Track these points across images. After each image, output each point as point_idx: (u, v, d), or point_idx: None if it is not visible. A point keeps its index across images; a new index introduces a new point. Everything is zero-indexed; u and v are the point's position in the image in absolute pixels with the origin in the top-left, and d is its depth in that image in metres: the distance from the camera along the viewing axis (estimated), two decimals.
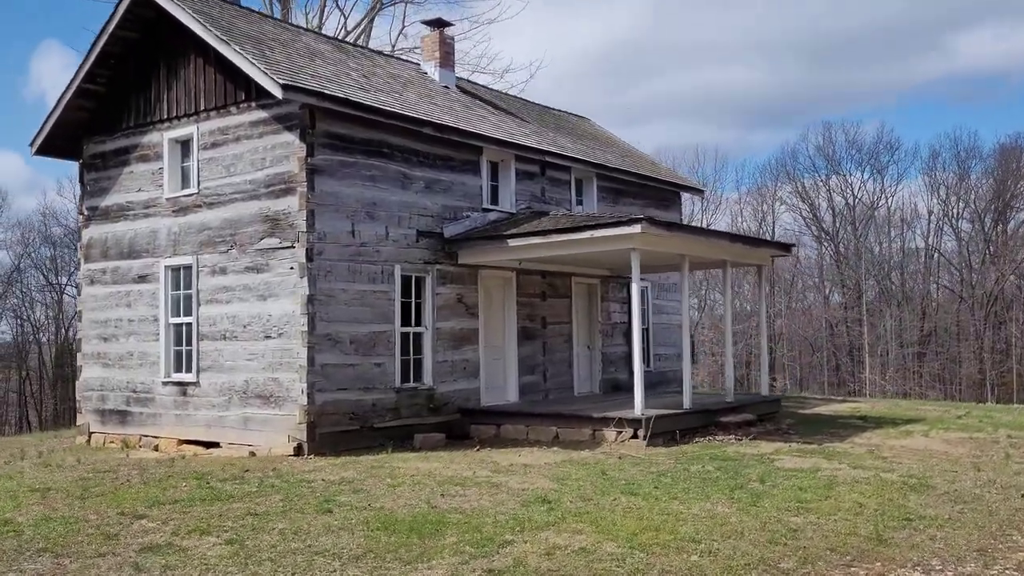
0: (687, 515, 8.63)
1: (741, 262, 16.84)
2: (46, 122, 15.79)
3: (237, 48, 13.11)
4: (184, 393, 14.54)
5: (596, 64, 77.32)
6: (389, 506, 9.18)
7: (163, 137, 14.99)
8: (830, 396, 27.93)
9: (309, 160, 13.14)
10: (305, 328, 13.03)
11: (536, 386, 17.24)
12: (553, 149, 17.60)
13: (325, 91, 13.13)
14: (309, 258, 13.10)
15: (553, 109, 22.74)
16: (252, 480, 10.86)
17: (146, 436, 15.01)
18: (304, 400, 12.99)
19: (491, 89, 21.53)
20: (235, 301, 13.91)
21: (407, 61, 19.55)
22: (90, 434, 15.98)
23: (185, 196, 14.67)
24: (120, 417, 15.50)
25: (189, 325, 14.56)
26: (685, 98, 78.52)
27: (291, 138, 13.28)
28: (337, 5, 30.01)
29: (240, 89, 13.86)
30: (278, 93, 12.61)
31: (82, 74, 15.27)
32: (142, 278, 15.26)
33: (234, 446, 13.75)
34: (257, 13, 16.36)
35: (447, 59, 18.68)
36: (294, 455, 12.96)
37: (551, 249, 14.54)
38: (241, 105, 13.92)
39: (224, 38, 13.29)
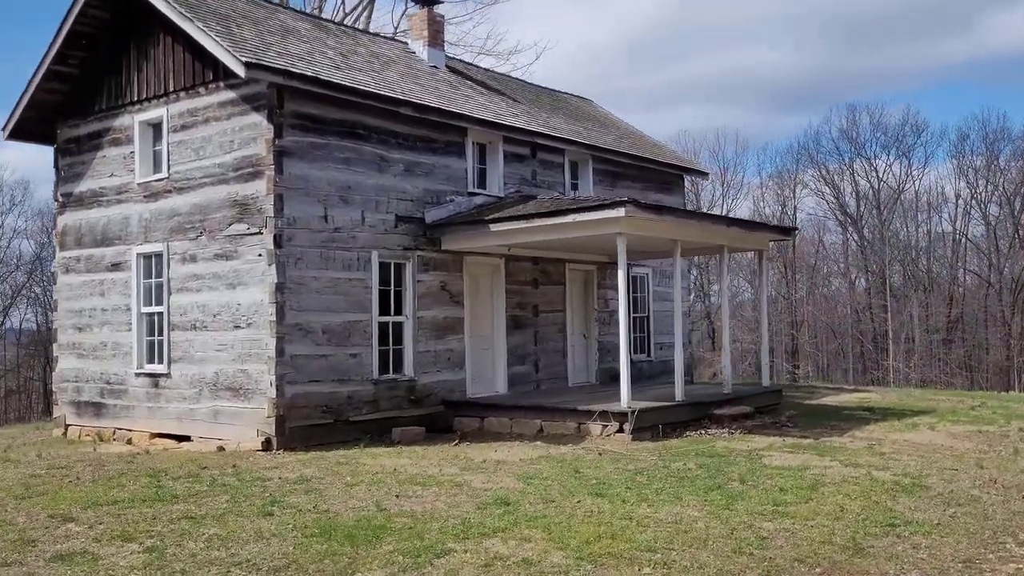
0: (651, 520, 7.98)
1: (739, 247, 16.06)
2: (17, 105, 15.32)
3: (200, 25, 12.53)
4: (156, 385, 14.07)
5: (617, 49, 76.30)
6: (336, 508, 8.61)
7: (134, 120, 14.48)
8: (842, 385, 27.03)
9: (277, 142, 12.55)
10: (273, 317, 12.47)
11: (527, 377, 16.60)
12: (543, 130, 16.90)
13: (293, 69, 12.52)
14: (278, 244, 12.53)
15: (553, 90, 22.01)
16: (206, 478, 10.33)
17: (120, 429, 14.56)
18: (273, 393, 12.44)
19: (484, 69, 20.83)
20: (205, 290, 13.39)
21: (395, 40, 18.92)
22: (66, 427, 15.57)
23: (156, 181, 14.15)
24: (95, 409, 15.07)
25: (160, 314, 14.07)
26: (708, 82, 77.24)
27: (259, 119, 12.70)
28: None
29: (208, 69, 13.29)
30: (240, 71, 12.02)
31: (51, 54, 14.76)
32: (115, 266, 14.79)
33: (204, 440, 13.25)
34: None
35: (436, 38, 18.01)
36: (262, 450, 12.43)
37: (534, 234, 13.88)
38: (210, 85, 13.35)
39: (187, 14, 12.72)
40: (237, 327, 12.93)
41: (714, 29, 77.78)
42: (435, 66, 17.70)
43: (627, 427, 12.81)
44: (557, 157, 17.52)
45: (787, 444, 12.38)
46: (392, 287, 14.23)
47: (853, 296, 51.48)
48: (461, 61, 20.39)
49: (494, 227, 13.97)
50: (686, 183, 21.55)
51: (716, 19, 77.97)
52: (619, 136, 20.42)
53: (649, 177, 20.00)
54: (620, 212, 12.63)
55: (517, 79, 21.76)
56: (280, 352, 12.48)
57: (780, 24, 76.13)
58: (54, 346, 16.04)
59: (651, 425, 13.20)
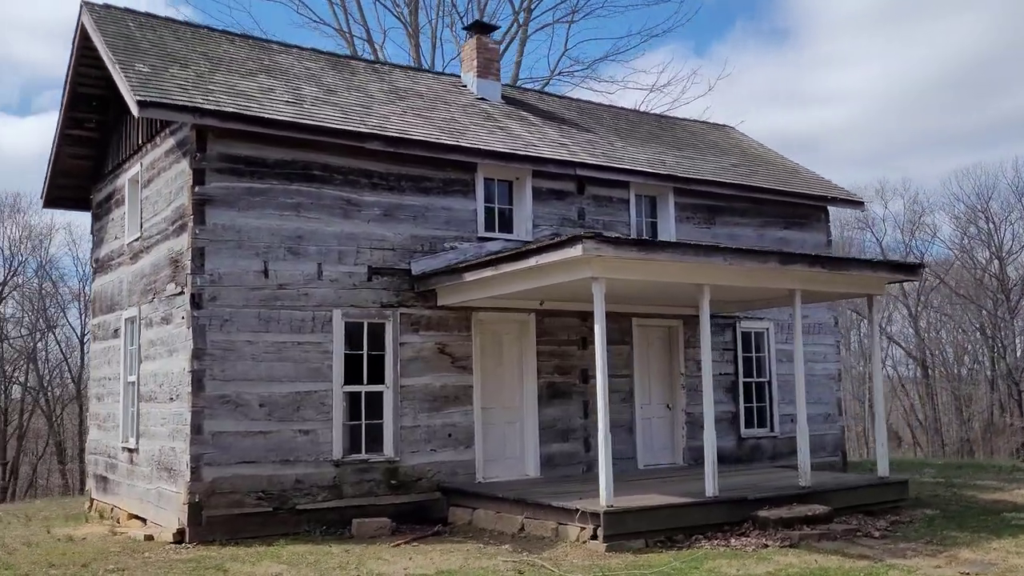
0: None
1: (828, 292, 12.17)
2: (47, 173, 15.27)
3: (119, 67, 11.41)
4: (131, 460, 12.99)
5: (935, 85, 69.62)
6: None
7: (125, 179, 13.78)
8: None
9: (197, 189, 11.08)
10: (190, 388, 10.87)
11: (573, 457, 13.67)
12: (592, 160, 14.11)
13: (205, 106, 11.00)
14: (196, 304, 10.96)
15: (670, 117, 18.96)
16: None
17: (117, 507, 13.63)
18: (187, 475, 10.78)
19: (561, 98, 18.23)
20: (157, 357, 12.14)
21: (447, 75, 16.93)
22: (91, 500, 14.95)
23: (135, 241, 13.26)
24: (103, 484, 14.32)
25: (134, 384, 13.04)
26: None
27: (185, 165, 11.34)
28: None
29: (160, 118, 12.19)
30: (135, 110, 10.72)
31: (62, 119, 14.52)
32: (116, 332, 14.06)
33: (152, 524, 11.87)
34: (235, 35, 14.68)
35: (487, 67, 15.88)
36: (174, 542, 10.74)
37: (508, 283, 11.20)
38: (162, 134, 12.27)
39: (113, 55, 11.69)
40: (171, 399, 11.50)
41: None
42: (483, 98, 15.57)
43: (601, 532, 9.67)
44: (620, 192, 14.59)
45: (811, 569, 8.61)
46: (366, 351, 12.15)
47: None
48: (537, 92, 18.04)
49: (468, 276, 11.50)
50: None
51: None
52: (734, 164, 16.94)
53: (769, 211, 16.31)
54: (577, 251, 9.68)
55: (616, 107, 18.93)
56: (197, 428, 10.81)
57: None
58: (88, 416, 15.65)
59: (649, 530, 9.93)
